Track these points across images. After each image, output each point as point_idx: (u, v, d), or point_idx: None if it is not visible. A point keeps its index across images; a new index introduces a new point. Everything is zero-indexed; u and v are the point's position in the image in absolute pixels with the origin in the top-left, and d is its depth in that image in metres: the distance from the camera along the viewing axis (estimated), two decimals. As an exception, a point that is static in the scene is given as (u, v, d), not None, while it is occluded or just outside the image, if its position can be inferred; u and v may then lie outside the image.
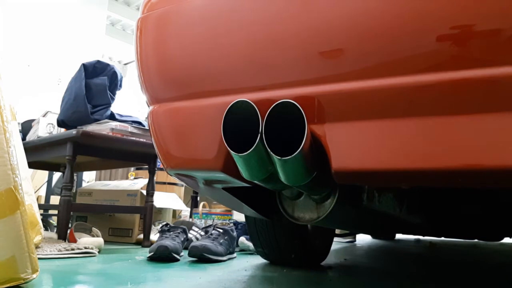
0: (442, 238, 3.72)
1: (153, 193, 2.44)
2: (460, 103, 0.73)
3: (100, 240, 2.09)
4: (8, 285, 1.06)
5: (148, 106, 1.15)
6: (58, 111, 2.42)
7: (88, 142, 2.14)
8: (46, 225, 3.24)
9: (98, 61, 2.37)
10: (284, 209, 1.10)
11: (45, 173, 3.88)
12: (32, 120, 2.72)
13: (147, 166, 2.46)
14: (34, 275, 1.13)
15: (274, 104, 0.81)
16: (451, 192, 1.51)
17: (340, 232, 3.05)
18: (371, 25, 0.79)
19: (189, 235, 2.26)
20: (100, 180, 5.09)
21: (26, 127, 2.71)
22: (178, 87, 1.05)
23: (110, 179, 5.13)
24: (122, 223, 2.63)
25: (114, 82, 2.37)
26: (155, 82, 1.10)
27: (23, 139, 2.53)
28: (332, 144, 0.84)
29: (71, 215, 2.38)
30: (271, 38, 0.90)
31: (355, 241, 3.20)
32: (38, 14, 5.65)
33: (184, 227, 2.12)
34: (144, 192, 2.50)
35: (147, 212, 2.39)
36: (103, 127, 2.21)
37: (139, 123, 2.38)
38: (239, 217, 3.04)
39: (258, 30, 0.92)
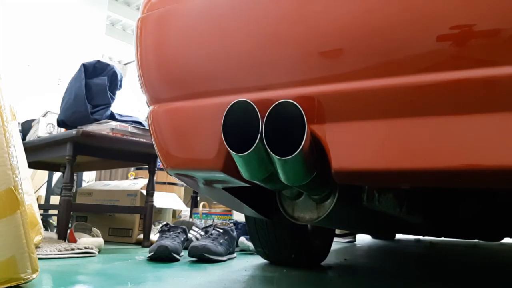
0: (442, 238, 3.72)
1: (153, 193, 2.44)
2: (460, 103, 0.73)
3: (100, 240, 2.09)
4: (8, 285, 1.05)
5: (148, 106, 1.15)
6: (58, 111, 2.42)
7: (88, 142, 2.14)
8: (46, 225, 3.23)
9: (98, 61, 2.37)
10: (284, 209, 1.09)
11: (45, 173, 3.88)
12: (32, 120, 2.72)
13: (147, 166, 2.46)
14: (34, 275, 1.13)
15: (274, 104, 0.81)
16: (451, 192, 1.51)
17: (340, 232, 3.04)
18: (371, 25, 0.79)
19: (189, 235, 2.26)
20: (100, 180, 5.09)
21: (26, 127, 2.71)
22: (178, 87, 1.05)
23: (110, 179, 5.13)
24: (122, 223, 2.63)
25: (114, 82, 2.37)
26: (155, 82, 1.10)
27: (23, 139, 2.53)
28: (332, 144, 0.84)
29: (71, 215, 2.38)
30: (271, 38, 0.90)
31: (355, 241, 3.19)
32: (38, 14, 5.65)
33: (184, 227, 2.12)
34: (144, 192, 2.50)
35: (147, 212, 2.39)
36: (103, 127, 2.21)
37: (139, 123, 2.38)
38: (239, 217, 3.04)
39: (258, 30, 0.92)
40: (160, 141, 1.11)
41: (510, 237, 2.13)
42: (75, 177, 3.29)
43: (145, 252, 2.03)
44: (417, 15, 0.75)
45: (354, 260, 2.16)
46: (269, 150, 0.79)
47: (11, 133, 1.16)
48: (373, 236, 3.63)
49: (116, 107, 2.42)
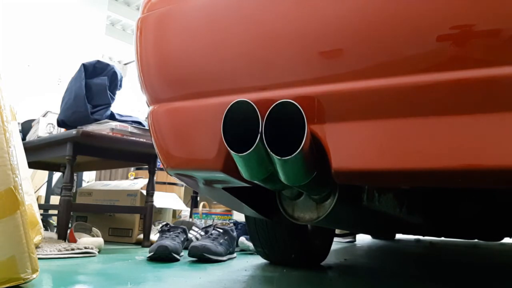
0: (442, 238, 3.72)
1: (153, 193, 2.44)
2: (460, 103, 0.73)
3: (100, 240, 2.09)
4: (8, 285, 1.06)
5: (148, 106, 1.15)
6: (58, 111, 2.42)
7: (88, 142, 2.14)
8: (46, 225, 3.23)
9: (98, 61, 2.37)
10: (284, 209, 1.10)
11: (45, 173, 3.88)
12: (32, 120, 2.72)
13: (147, 166, 2.46)
14: (34, 275, 1.13)
15: (274, 104, 0.81)
16: (451, 192, 1.51)
17: (340, 232, 3.04)
18: (371, 25, 0.79)
19: (189, 235, 2.26)
20: (100, 180, 5.08)
21: (26, 127, 2.71)
22: (178, 87, 1.05)
23: (110, 179, 5.13)
24: (122, 223, 2.63)
25: (114, 82, 2.37)
26: (155, 82, 1.10)
27: (23, 139, 2.53)
28: (332, 144, 0.84)
29: (71, 215, 2.38)
30: (271, 38, 0.90)
31: (355, 241, 3.20)
32: (38, 14, 5.65)
33: (184, 227, 2.12)
34: (144, 192, 2.50)
35: (147, 212, 2.39)
36: (103, 127, 2.21)
37: (139, 123, 2.38)
38: (239, 217, 3.04)
39: (258, 30, 0.92)
40: (160, 141, 1.11)
41: (510, 237, 2.13)
42: (75, 177, 3.29)
43: (145, 252, 2.03)
44: (417, 15, 0.75)
45: (354, 260, 2.16)
46: (269, 150, 0.79)
47: (11, 133, 1.16)
48: (373, 236, 3.63)
49: (116, 107, 2.42)
